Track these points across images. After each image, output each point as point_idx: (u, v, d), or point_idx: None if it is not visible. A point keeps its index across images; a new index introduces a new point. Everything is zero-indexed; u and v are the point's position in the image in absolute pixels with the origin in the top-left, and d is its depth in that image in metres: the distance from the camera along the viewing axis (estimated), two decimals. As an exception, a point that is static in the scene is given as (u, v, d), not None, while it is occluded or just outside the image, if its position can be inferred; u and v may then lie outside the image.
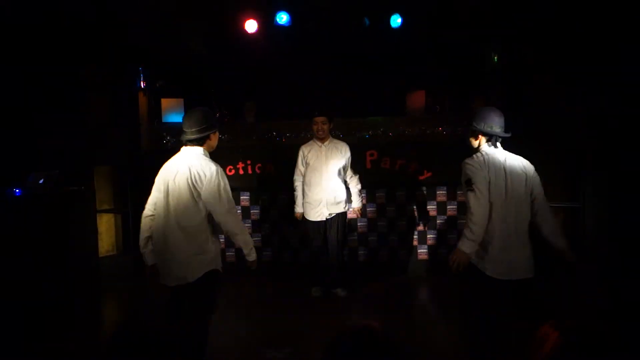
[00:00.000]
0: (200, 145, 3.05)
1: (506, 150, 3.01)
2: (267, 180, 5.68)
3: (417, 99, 5.67)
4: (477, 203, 2.81)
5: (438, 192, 5.50)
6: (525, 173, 2.90)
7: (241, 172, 5.68)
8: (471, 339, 3.05)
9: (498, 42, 5.60)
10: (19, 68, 5.08)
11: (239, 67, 6.20)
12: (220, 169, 3.00)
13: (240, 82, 6.34)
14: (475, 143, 3.02)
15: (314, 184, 4.67)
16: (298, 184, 4.79)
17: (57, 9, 5.02)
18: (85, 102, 5.70)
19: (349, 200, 4.87)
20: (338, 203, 4.68)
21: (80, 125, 5.54)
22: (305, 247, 5.46)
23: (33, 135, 5.20)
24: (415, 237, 5.57)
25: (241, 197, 5.68)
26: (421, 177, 5.49)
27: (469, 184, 2.85)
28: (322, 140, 4.67)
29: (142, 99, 5.85)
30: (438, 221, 5.53)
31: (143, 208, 3.17)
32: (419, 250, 5.57)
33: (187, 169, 2.95)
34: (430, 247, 5.55)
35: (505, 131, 2.98)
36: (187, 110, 3.35)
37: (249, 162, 5.68)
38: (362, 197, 5.01)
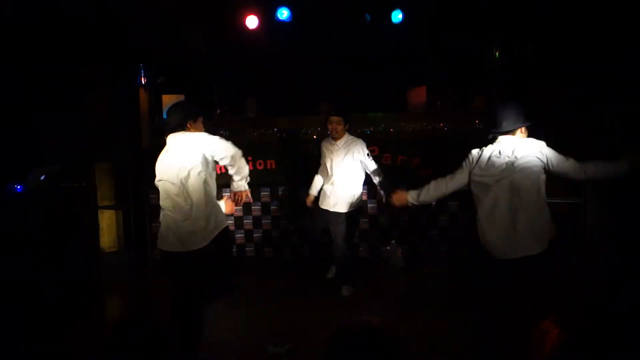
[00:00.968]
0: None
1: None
2: (268, 177, 5.70)
3: (418, 95, 5.68)
4: (450, 179, 3.28)
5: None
6: (538, 157, 2.99)
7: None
8: (476, 335, 3.08)
9: (498, 41, 5.60)
10: (19, 68, 5.09)
11: (240, 64, 6.19)
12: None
13: (241, 79, 6.33)
14: None
15: (326, 180, 4.75)
16: (319, 174, 4.86)
17: (57, 9, 5.02)
18: (85, 102, 5.71)
19: (360, 201, 4.79)
20: (348, 202, 4.63)
21: (80, 125, 5.55)
22: (307, 242, 5.50)
23: (33, 135, 5.21)
24: (417, 233, 5.58)
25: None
26: (422, 173, 5.50)
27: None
28: (336, 139, 4.66)
29: (143, 96, 5.83)
30: (440, 217, 5.54)
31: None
32: (420, 247, 5.59)
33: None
34: (432, 243, 5.57)
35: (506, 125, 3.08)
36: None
37: (249, 158, 5.68)
38: (384, 188, 4.72)
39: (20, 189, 4.55)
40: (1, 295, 4.14)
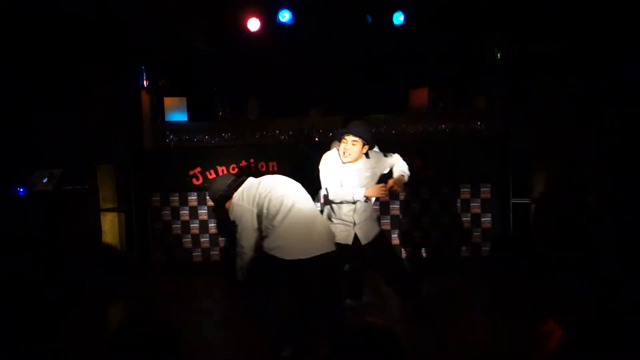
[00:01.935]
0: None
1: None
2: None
3: (420, 96, 5.68)
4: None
5: (442, 190, 5.53)
6: None
7: (244, 170, 5.69)
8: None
9: (498, 41, 5.60)
10: (19, 68, 5.08)
11: (242, 66, 6.19)
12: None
13: (243, 81, 6.33)
14: None
15: (336, 212, 3.91)
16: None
17: (57, 9, 5.02)
18: (85, 102, 5.70)
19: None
20: (375, 218, 4.06)
21: (81, 125, 5.54)
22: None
23: (33, 135, 5.20)
24: (418, 234, 5.58)
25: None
26: (424, 175, 5.49)
27: None
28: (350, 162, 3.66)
29: (145, 98, 5.84)
30: (441, 219, 5.54)
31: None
32: (422, 248, 5.58)
33: None
34: (433, 246, 5.56)
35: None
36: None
37: (252, 160, 5.69)
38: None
39: (23, 192, 4.54)
40: (3, 295, 4.13)
